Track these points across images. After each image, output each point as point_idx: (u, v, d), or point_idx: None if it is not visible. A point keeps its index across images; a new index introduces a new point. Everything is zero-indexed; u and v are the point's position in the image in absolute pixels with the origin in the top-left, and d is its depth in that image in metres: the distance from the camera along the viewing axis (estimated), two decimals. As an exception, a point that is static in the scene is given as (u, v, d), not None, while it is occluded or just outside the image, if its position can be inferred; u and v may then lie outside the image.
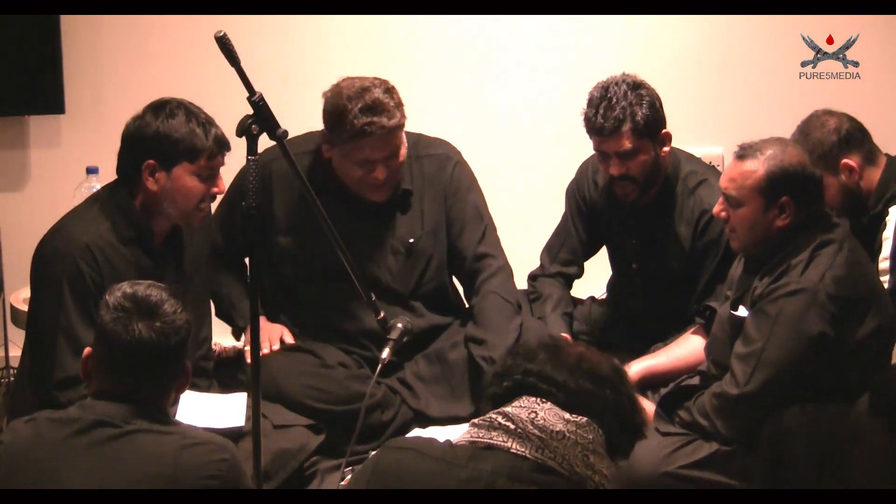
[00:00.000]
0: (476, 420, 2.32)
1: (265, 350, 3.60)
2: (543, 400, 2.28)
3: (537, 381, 2.30)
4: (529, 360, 2.34)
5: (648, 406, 3.46)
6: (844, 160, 3.64)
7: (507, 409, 2.29)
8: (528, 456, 2.23)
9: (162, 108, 3.26)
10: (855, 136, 3.66)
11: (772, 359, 3.15)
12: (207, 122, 3.27)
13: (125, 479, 2.39)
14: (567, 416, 2.26)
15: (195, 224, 3.34)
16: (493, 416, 2.29)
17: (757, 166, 3.22)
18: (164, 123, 3.23)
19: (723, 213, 3.30)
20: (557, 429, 2.24)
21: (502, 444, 2.25)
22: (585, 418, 2.27)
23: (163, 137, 3.22)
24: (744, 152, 3.25)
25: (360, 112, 3.52)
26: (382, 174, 3.60)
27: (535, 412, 2.26)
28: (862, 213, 3.67)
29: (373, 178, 3.60)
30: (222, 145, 3.27)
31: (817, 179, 3.26)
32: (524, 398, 2.30)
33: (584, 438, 2.25)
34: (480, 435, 2.28)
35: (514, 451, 2.24)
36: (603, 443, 2.28)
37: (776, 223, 3.22)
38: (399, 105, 3.59)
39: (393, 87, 3.62)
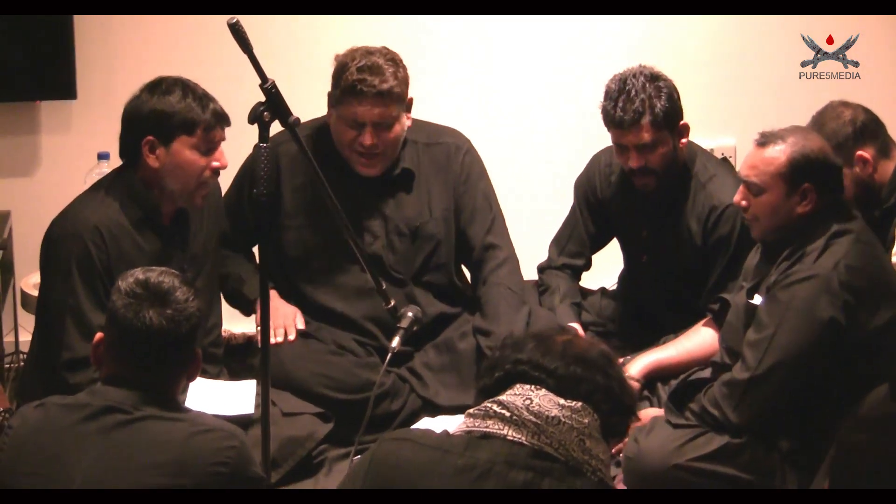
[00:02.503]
0: (471, 410, 2.31)
1: (279, 339, 3.60)
2: (537, 387, 2.27)
3: (528, 368, 2.30)
4: (518, 350, 2.34)
5: (654, 411, 3.45)
6: (859, 152, 3.62)
7: (502, 397, 2.28)
8: (524, 442, 2.22)
9: (158, 85, 3.28)
10: (870, 128, 3.65)
11: (782, 344, 3.14)
12: (204, 97, 3.28)
13: (134, 465, 2.38)
14: (562, 401, 2.25)
15: (197, 202, 3.33)
16: (488, 404, 2.28)
17: (779, 153, 3.21)
18: (160, 100, 3.25)
19: (743, 202, 3.28)
20: (553, 414, 2.24)
21: (498, 431, 2.24)
22: (580, 403, 2.26)
23: (159, 113, 3.24)
24: (765, 139, 3.24)
25: (356, 70, 3.58)
26: (369, 140, 3.60)
27: (530, 399, 2.26)
28: (875, 206, 3.65)
29: (359, 142, 3.61)
30: (220, 118, 3.27)
31: (838, 167, 3.26)
32: (518, 386, 2.29)
33: (579, 423, 2.24)
34: (476, 424, 2.27)
35: (511, 437, 2.23)
36: (598, 427, 2.27)
37: (798, 210, 3.21)
38: (398, 76, 3.60)
39: (400, 60, 3.65)
